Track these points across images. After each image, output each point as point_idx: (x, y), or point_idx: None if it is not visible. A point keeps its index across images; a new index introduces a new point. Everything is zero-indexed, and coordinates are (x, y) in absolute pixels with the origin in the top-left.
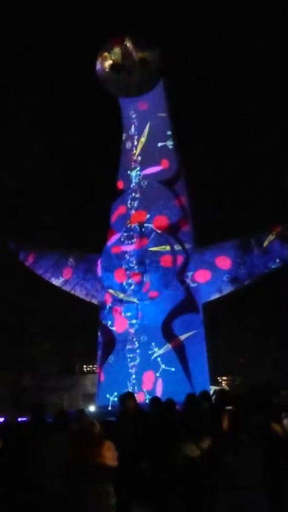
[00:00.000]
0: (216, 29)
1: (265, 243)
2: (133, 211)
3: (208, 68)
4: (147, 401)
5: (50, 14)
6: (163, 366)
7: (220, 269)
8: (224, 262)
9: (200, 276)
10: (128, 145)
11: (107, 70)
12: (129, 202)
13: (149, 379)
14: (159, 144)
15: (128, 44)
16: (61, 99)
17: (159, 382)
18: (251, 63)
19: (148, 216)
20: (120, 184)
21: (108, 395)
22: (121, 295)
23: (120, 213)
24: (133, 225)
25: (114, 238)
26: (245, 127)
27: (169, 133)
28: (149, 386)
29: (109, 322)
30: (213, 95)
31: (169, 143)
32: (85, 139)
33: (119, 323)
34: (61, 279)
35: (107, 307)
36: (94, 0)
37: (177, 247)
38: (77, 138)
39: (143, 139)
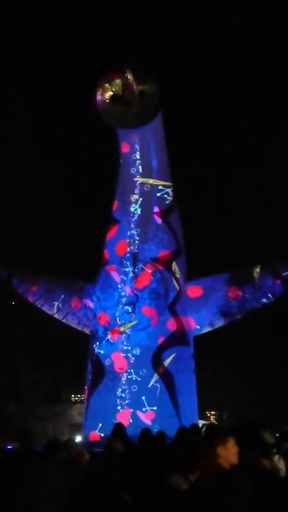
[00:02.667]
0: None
1: (257, 279)
2: (130, 246)
3: (205, 104)
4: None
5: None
6: (151, 398)
7: (212, 302)
8: (216, 296)
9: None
10: (129, 178)
11: (107, 101)
12: (127, 234)
13: (137, 411)
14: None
15: (129, 76)
16: (58, 128)
17: (147, 415)
18: (254, 102)
19: (143, 248)
20: (117, 214)
21: (94, 425)
22: (118, 325)
23: (113, 238)
24: (127, 259)
25: (108, 260)
26: (242, 158)
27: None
28: (137, 418)
29: (97, 349)
30: (210, 127)
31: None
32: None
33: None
34: (54, 307)
35: (98, 336)
36: (95, 33)
37: (170, 279)
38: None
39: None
